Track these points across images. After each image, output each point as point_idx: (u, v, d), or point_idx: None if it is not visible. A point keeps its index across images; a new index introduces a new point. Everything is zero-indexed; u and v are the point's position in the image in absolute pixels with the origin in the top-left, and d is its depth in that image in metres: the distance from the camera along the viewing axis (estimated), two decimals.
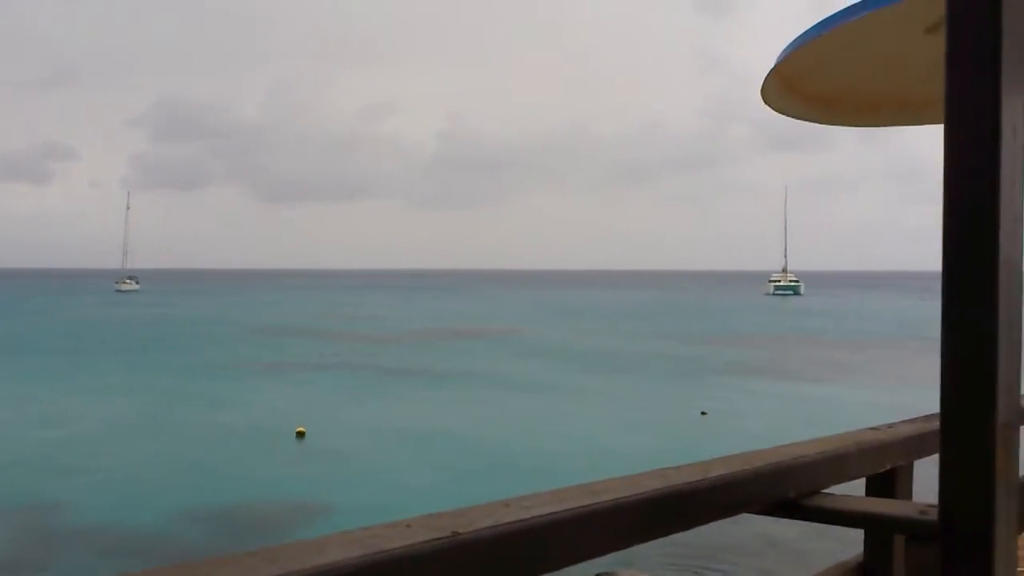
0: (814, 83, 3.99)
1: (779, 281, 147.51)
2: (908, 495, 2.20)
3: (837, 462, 1.97)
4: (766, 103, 3.82)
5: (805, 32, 3.24)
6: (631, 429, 27.70)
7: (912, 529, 1.85)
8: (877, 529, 1.97)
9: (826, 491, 1.93)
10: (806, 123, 4.36)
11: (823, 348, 53.19)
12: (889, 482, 2.15)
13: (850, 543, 2.28)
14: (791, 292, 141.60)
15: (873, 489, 2.17)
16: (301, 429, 27.43)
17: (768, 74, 3.58)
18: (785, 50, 3.38)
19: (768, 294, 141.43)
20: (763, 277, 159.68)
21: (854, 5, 3.00)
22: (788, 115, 4.06)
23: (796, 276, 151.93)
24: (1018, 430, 1.38)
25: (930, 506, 1.71)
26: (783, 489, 1.80)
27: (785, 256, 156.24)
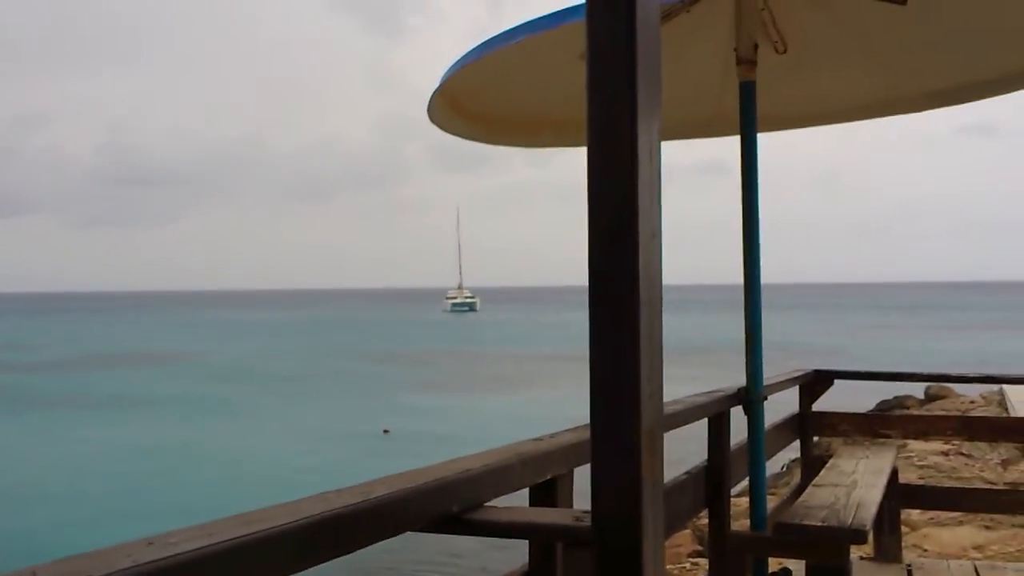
0: (477, 103, 4.12)
1: (455, 298, 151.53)
2: (569, 502, 2.29)
3: (500, 474, 2.01)
4: (433, 122, 3.90)
5: (466, 54, 3.33)
6: (311, 451, 27.25)
7: (568, 535, 1.92)
8: (538, 537, 2.04)
9: (490, 504, 1.96)
10: (482, 143, 4.50)
11: (498, 362, 55.12)
12: (551, 491, 2.23)
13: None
14: (467, 308, 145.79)
15: (536, 499, 2.24)
16: None
17: (433, 94, 3.64)
18: (448, 71, 3.45)
19: (445, 311, 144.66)
20: (441, 294, 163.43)
21: (510, 30, 3.11)
22: (454, 134, 4.17)
23: (472, 293, 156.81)
24: (662, 435, 1.46)
25: (585, 512, 1.78)
26: (447, 504, 1.82)
27: (460, 273, 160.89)
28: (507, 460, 2.06)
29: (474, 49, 3.30)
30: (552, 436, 2.35)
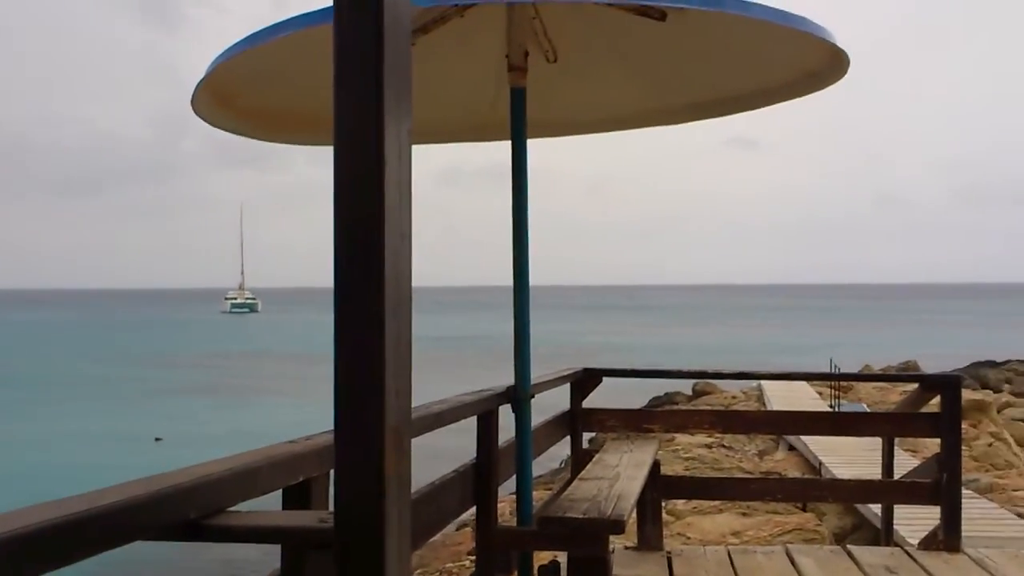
0: (247, 98, 4.00)
1: (236, 298, 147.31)
2: (324, 504, 2.27)
3: (245, 478, 1.97)
4: (198, 115, 3.76)
5: (231, 46, 3.23)
6: (73, 461, 25.67)
7: (312, 538, 1.90)
8: (287, 541, 2.01)
9: (233, 509, 1.91)
10: (252, 139, 4.38)
11: (278, 364, 54.00)
12: (304, 493, 2.21)
13: None
14: (248, 309, 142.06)
15: (289, 502, 2.21)
16: None
17: (198, 86, 3.52)
18: (212, 63, 3.34)
19: (225, 312, 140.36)
20: (222, 294, 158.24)
21: (279, 24, 3.05)
22: (222, 128, 4.04)
23: (253, 293, 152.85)
24: (408, 434, 1.47)
25: (330, 513, 1.77)
26: (183, 511, 1.76)
27: (242, 273, 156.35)
28: (255, 463, 2.01)
29: (240, 41, 3.21)
30: (308, 438, 2.33)
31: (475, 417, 4.03)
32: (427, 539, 3.56)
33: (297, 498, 2.19)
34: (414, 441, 3.35)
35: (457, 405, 3.65)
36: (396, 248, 1.40)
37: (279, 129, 4.38)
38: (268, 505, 2.17)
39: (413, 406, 3.40)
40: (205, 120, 3.85)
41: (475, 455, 4.12)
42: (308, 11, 3.00)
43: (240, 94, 3.96)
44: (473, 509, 4.15)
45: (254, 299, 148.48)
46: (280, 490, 2.17)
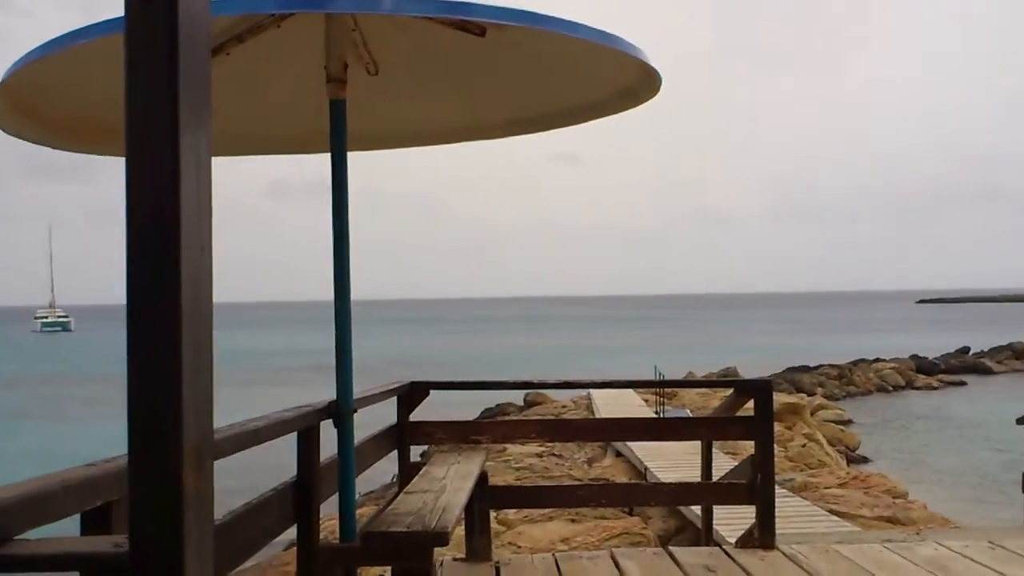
0: (49, 107, 3.82)
1: (46, 317, 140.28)
2: (127, 529, 2.18)
3: (37, 504, 1.87)
4: None
5: (27, 54, 3.08)
6: None
7: (109, 564, 1.83)
8: (81, 568, 1.92)
9: (22, 536, 1.82)
10: (58, 149, 4.17)
11: (91, 384, 51.39)
12: (104, 518, 2.12)
13: None
14: (60, 328, 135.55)
15: (88, 527, 2.11)
16: None
17: None
18: (7, 71, 3.18)
19: (35, 331, 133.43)
20: (30, 313, 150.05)
21: (78, 30, 2.93)
22: (22, 138, 3.84)
23: (66, 311, 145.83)
24: (211, 454, 1.43)
25: (125, 538, 1.71)
26: None
27: (52, 290, 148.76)
28: (47, 487, 1.92)
29: (37, 49, 3.06)
30: (108, 460, 2.23)
31: (295, 434, 3.95)
32: (243, 560, 3.46)
33: (96, 523, 2.10)
34: (238, 459, 3.26)
35: (275, 422, 3.57)
36: (194, 261, 1.36)
37: (83, 139, 4.19)
38: (70, 531, 2.07)
39: (229, 423, 3.32)
40: (4, 130, 3.66)
41: (296, 472, 4.04)
42: (109, 18, 2.89)
43: (42, 103, 3.77)
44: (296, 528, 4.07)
45: (66, 317, 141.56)
46: (80, 515, 2.08)
